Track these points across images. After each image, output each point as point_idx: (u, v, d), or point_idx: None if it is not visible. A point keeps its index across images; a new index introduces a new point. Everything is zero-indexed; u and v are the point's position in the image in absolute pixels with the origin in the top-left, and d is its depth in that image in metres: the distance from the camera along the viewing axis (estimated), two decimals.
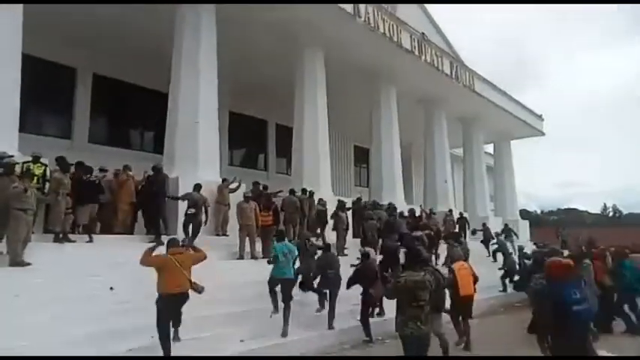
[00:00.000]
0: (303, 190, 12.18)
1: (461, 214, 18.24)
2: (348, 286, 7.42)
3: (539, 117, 25.58)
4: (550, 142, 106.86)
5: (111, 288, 6.38)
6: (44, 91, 12.74)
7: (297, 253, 7.54)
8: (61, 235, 7.56)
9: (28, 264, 6.36)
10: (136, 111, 15.21)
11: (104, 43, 13.23)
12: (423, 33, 16.39)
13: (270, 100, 17.23)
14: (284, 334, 6.65)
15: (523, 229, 23.09)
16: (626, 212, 70.37)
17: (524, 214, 38.01)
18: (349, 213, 12.64)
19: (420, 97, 19.07)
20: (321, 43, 13.96)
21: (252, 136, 19.27)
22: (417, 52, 15.89)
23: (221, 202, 10.21)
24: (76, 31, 12.48)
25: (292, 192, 11.85)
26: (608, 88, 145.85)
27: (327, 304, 7.60)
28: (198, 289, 5.50)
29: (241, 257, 9.36)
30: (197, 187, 9.47)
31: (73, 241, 7.70)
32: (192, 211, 9.04)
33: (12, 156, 7.16)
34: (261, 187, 11.36)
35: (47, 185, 7.62)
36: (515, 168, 25.52)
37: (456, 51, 20.62)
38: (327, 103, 14.25)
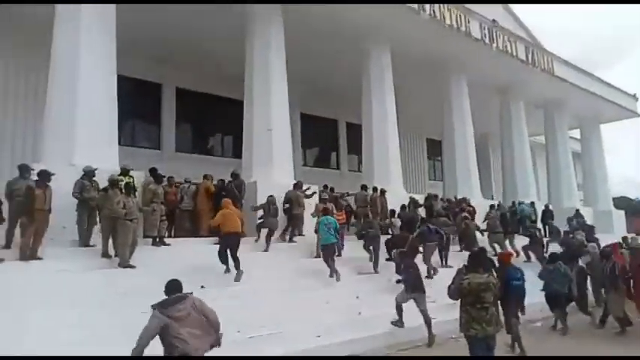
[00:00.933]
0: (374, 188, 12.42)
1: (546, 205, 17.27)
2: (387, 247, 9.95)
3: (633, 96, 23.33)
4: None
5: (202, 286, 7.07)
6: (135, 106, 13.94)
7: (336, 225, 9.35)
8: (157, 239, 8.50)
9: (134, 266, 7.27)
10: (216, 119, 16.24)
11: (184, 59, 14.39)
12: (493, 20, 15.74)
13: (340, 99, 17.58)
14: (336, 278, 8.69)
15: (618, 219, 21.24)
16: None
17: (623, 201, 34.65)
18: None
19: (495, 85, 18.33)
20: (386, 39, 14.03)
21: (323, 136, 19.77)
22: (487, 40, 15.34)
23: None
24: (159, 50, 13.70)
25: (364, 187, 12.34)
26: None
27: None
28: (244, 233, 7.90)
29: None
30: (295, 185, 10.58)
31: (168, 245, 8.63)
32: (287, 206, 10.26)
33: (96, 169, 7.95)
34: (329, 190, 12.13)
35: (136, 194, 8.46)
36: (610, 151, 23.65)
37: (533, 34, 19.44)
38: (397, 97, 14.28)
